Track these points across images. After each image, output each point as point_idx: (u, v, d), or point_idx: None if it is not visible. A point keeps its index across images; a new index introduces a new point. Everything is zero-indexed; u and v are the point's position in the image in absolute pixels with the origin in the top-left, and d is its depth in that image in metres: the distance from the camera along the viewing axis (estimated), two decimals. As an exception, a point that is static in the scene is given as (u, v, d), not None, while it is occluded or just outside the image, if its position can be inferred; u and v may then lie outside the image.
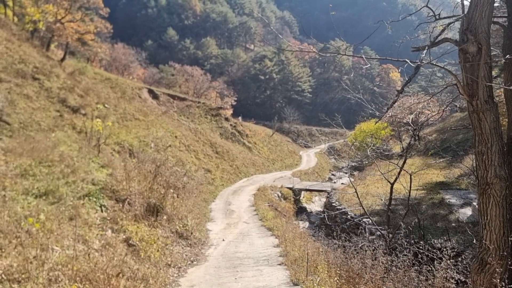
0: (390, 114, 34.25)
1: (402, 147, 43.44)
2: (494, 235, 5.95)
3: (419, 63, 5.43)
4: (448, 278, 7.46)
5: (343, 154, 71.14)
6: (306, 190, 35.58)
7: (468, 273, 7.74)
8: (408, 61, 5.50)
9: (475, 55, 5.67)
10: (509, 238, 6.11)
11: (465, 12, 5.93)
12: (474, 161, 6.34)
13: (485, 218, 6.07)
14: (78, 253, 7.79)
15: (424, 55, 5.49)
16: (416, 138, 44.89)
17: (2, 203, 8.76)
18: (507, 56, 6.33)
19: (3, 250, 6.97)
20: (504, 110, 11.16)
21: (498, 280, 5.64)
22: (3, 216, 8.11)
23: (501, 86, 8.25)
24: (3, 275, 6.23)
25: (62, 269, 6.92)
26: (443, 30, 6.59)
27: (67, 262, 7.20)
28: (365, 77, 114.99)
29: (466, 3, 6.37)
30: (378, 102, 17.16)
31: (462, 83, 5.93)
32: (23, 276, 6.37)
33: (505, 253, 5.97)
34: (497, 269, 5.72)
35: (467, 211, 19.64)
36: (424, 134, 48.73)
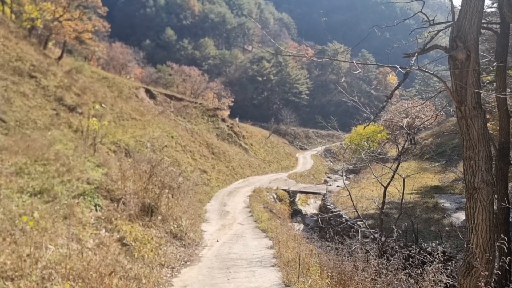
0: (385, 117, 34.47)
1: (398, 150, 43.63)
2: (480, 239, 6.06)
3: (408, 69, 5.54)
4: (436, 281, 7.57)
5: (339, 157, 71.34)
6: (302, 192, 35.68)
7: (456, 276, 7.85)
8: (398, 67, 5.60)
9: (464, 62, 5.78)
10: (495, 242, 6.23)
11: (455, 19, 6.06)
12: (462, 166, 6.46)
13: (472, 222, 6.19)
14: (71, 251, 7.85)
15: (413, 61, 5.60)
16: (412, 142, 45.18)
17: (-4, 201, 8.81)
18: (495, 63, 6.45)
19: (-3, 247, 7.02)
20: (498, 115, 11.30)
21: (483, 284, 5.75)
22: (-3, 214, 8.17)
23: (491, 93, 8.37)
24: (-4, 273, 6.29)
25: (55, 267, 6.98)
26: (432, 37, 6.71)
27: (61, 261, 7.26)
28: (363, 80, 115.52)
29: (457, 9, 6.48)
30: (374, 106, 17.30)
31: (451, 89, 6.05)
32: (16, 273, 6.43)
33: (491, 257, 6.09)
34: (482, 273, 5.84)
35: (461, 216, 19.80)
36: (420, 138, 49.02)
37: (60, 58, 32.72)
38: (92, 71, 41.01)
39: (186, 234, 13.93)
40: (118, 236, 10.47)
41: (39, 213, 9.04)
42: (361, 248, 10.47)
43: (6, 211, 8.45)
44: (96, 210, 11.29)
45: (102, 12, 42.27)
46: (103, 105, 26.32)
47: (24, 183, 10.62)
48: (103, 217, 11.05)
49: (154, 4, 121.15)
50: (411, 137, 43.29)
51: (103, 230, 10.38)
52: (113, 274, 7.67)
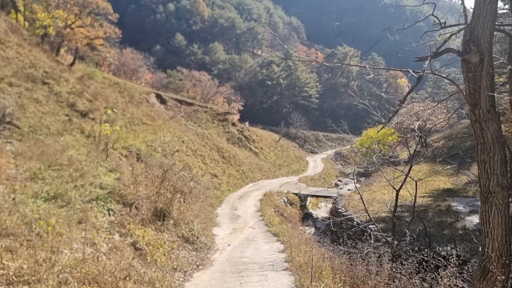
0: (396, 120, 34.22)
1: (409, 153, 43.29)
2: (496, 243, 6.00)
3: (421, 73, 5.52)
4: (452, 285, 7.49)
5: (349, 160, 70.97)
6: (312, 196, 35.54)
7: (472, 281, 7.77)
8: (410, 71, 5.57)
9: (478, 65, 5.74)
10: (511, 246, 6.16)
11: (468, 22, 6.02)
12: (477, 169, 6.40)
13: (488, 226, 6.13)
14: (86, 256, 7.93)
15: (426, 65, 5.57)
16: (423, 144, 44.82)
17: (12, 206, 8.93)
18: (509, 66, 6.40)
19: (14, 252, 7.12)
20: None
21: (500, 288, 5.70)
22: (13, 219, 8.29)
23: (505, 96, 8.28)
24: (14, 277, 6.37)
25: (71, 272, 7.05)
26: (445, 41, 6.68)
27: (76, 265, 7.33)
28: (373, 83, 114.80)
29: (470, 12, 6.45)
30: (384, 109, 17.21)
31: (464, 93, 6.00)
32: (33, 278, 6.51)
33: (507, 261, 6.02)
34: (498, 277, 5.77)
35: (474, 219, 19.57)
36: (432, 141, 48.58)
37: (72, 64, 33.16)
38: (104, 77, 41.43)
39: (198, 238, 13.97)
40: (131, 240, 10.56)
41: (55, 218, 9.15)
42: (374, 252, 10.39)
43: (21, 216, 8.57)
44: (109, 215, 11.40)
45: (113, 18, 42.70)
46: (114, 110, 26.57)
47: (39, 188, 10.77)
48: (116, 222, 11.15)
49: (164, 10, 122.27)
50: (423, 139, 42.94)
51: (117, 235, 10.48)
52: (127, 278, 7.73)
